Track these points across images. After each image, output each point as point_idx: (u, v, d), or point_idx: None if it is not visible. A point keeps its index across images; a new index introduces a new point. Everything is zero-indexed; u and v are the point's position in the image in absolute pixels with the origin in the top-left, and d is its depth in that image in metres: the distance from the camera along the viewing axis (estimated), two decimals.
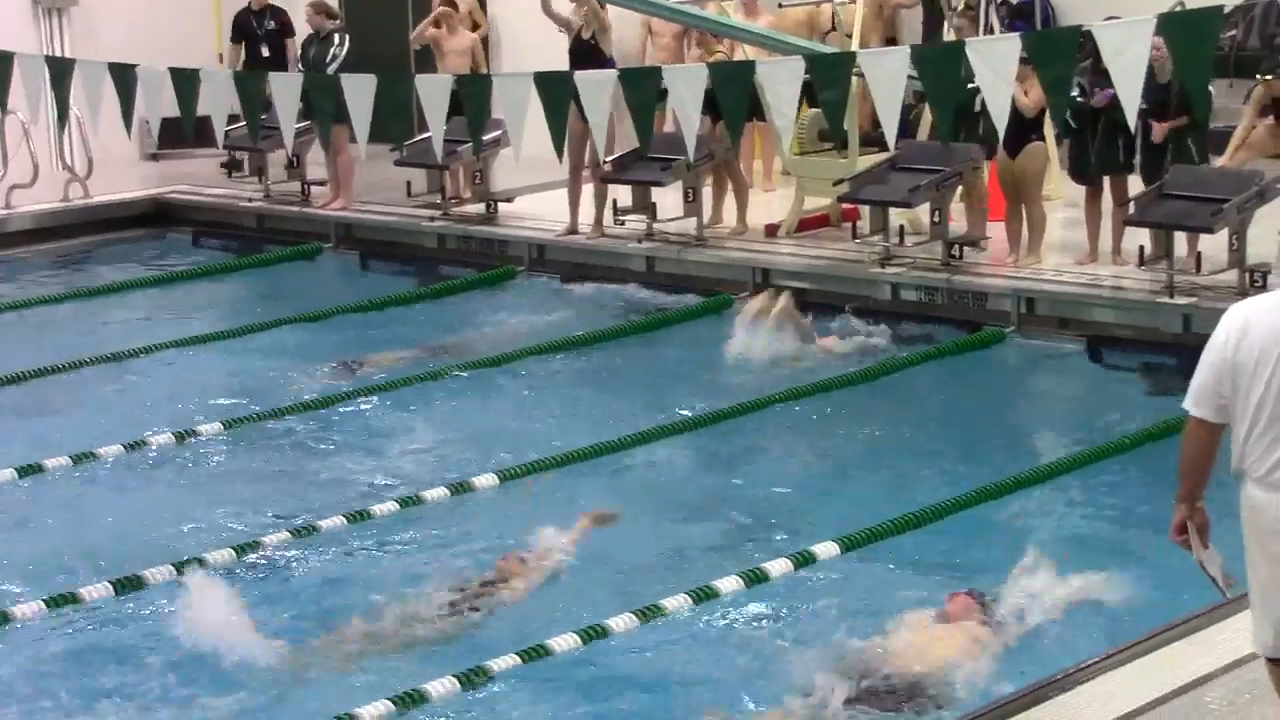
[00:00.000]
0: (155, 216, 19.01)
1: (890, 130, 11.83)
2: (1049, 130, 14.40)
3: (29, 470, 10.86)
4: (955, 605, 8.19)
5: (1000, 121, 11.45)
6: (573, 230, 16.14)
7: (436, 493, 10.30)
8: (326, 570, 9.35)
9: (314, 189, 18.16)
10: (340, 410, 12.13)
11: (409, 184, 17.38)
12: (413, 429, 11.59)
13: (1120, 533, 9.38)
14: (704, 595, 8.62)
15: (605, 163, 15.53)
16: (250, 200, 18.54)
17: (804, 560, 9.04)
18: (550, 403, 12.23)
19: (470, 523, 9.94)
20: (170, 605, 8.83)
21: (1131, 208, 13.36)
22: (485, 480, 10.50)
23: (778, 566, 8.94)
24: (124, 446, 11.30)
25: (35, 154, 18.47)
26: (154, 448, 11.35)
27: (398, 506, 10.10)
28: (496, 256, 16.53)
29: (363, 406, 12.17)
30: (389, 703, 7.53)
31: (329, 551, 9.58)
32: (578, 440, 11.11)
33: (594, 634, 8.19)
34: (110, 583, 9.02)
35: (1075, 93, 13.06)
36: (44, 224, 18.30)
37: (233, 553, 9.43)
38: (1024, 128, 13.72)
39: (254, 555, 9.45)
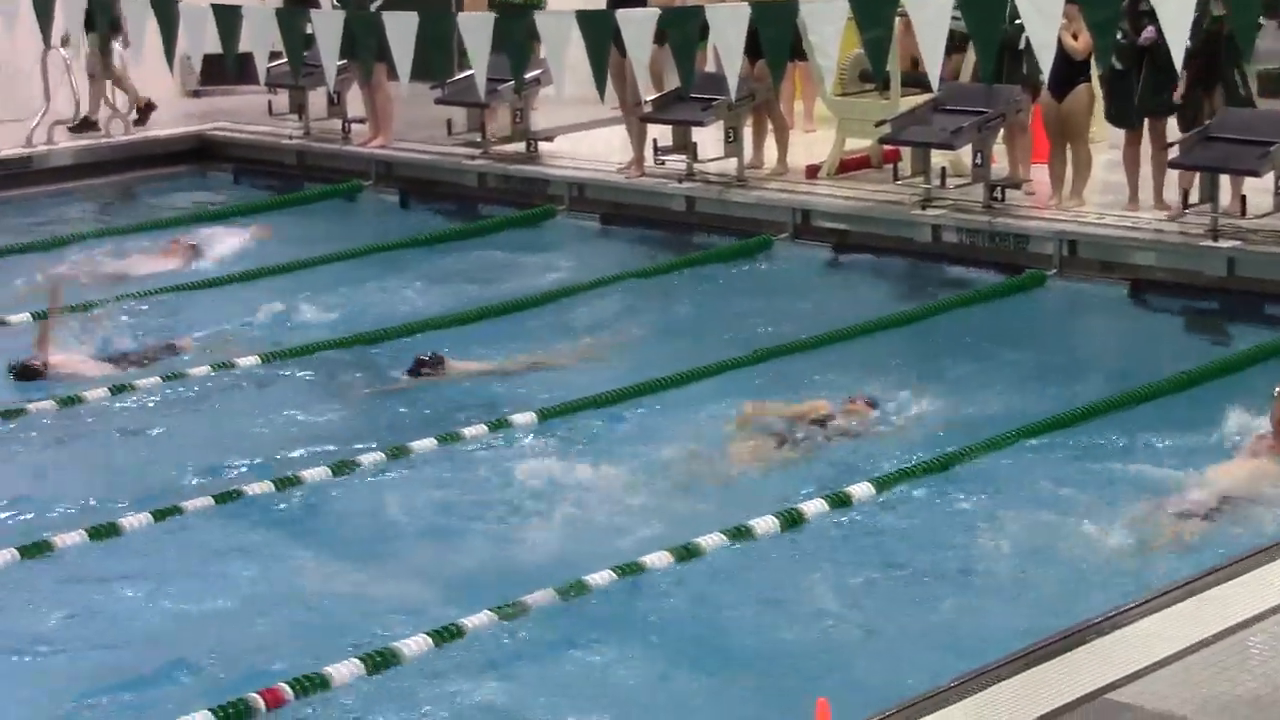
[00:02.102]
0: (197, 153, 19.04)
1: (933, 71, 11.74)
2: (1094, 71, 14.28)
3: (67, 401, 10.98)
4: None
5: (1045, 62, 11.35)
6: (639, 164, 16.02)
7: (475, 430, 10.32)
8: (367, 504, 9.37)
9: (354, 127, 18.15)
10: (375, 349, 12.16)
11: (449, 122, 17.35)
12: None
13: (1161, 474, 9.34)
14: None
15: (645, 102, 15.47)
16: (291, 138, 18.55)
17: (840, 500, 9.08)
18: (584, 343, 12.21)
19: (509, 460, 9.95)
20: (210, 536, 8.90)
21: (1175, 150, 13.26)
22: (523, 419, 10.51)
23: (813, 506, 8.97)
24: (162, 378, 11.38)
25: (78, 90, 18.54)
26: (194, 379, 11.40)
27: (435, 443, 10.12)
28: (536, 195, 16.50)
29: (398, 345, 12.19)
30: (427, 637, 7.56)
31: (371, 485, 9.61)
32: (613, 381, 11.11)
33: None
34: (150, 513, 9.09)
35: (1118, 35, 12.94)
36: (86, 160, 18.33)
37: (272, 485, 9.47)
38: (1071, 69, 13.61)
39: (295, 490, 9.49)
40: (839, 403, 10.41)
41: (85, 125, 18.60)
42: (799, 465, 9.72)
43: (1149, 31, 12.66)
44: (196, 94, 21.09)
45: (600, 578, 8.09)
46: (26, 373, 11.40)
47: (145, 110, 19.04)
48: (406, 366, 11.39)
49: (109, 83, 18.88)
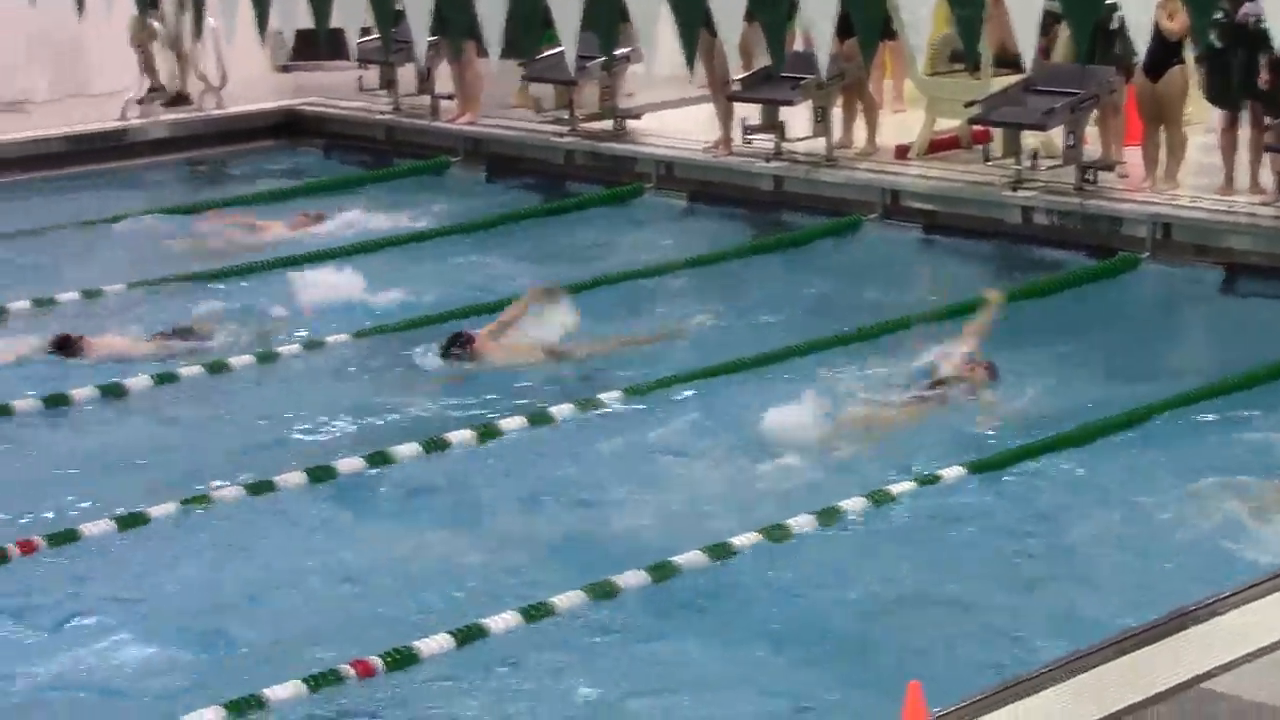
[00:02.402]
0: (287, 128, 19.13)
1: (1027, 51, 11.60)
2: (1188, 52, 14.11)
3: (165, 379, 11.06)
4: None
5: (1140, 43, 11.18)
6: (727, 142, 15.98)
7: (561, 409, 10.33)
8: (457, 482, 9.40)
9: (443, 103, 18.19)
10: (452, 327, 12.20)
11: (538, 99, 17.33)
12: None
13: (1261, 461, 9.24)
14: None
15: (734, 81, 15.43)
16: (380, 113, 18.61)
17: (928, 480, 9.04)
18: (671, 321, 12.18)
19: (597, 439, 9.95)
20: (303, 511, 8.96)
21: (1270, 135, 13.09)
22: (611, 395, 10.51)
23: (904, 487, 8.93)
24: (255, 357, 11.45)
25: (165, 65, 18.67)
26: (284, 357, 11.47)
27: (525, 422, 10.14)
28: (624, 173, 16.48)
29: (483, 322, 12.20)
30: (516, 614, 7.58)
31: (461, 463, 9.64)
32: (699, 360, 11.09)
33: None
34: (243, 486, 9.17)
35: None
36: (178, 134, 18.46)
37: (364, 462, 9.52)
38: (1166, 50, 13.46)
39: (386, 467, 9.53)
40: (957, 366, 10.35)
41: (177, 100, 18.69)
42: (901, 438, 9.69)
43: (1248, 8, 12.48)
44: (286, 69, 21.18)
45: (690, 559, 8.09)
46: (65, 345, 11.38)
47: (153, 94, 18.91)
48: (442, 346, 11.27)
49: (201, 56, 19.03)
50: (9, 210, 15.75)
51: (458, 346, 11.15)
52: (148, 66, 18.46)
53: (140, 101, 18.39)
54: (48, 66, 19.07)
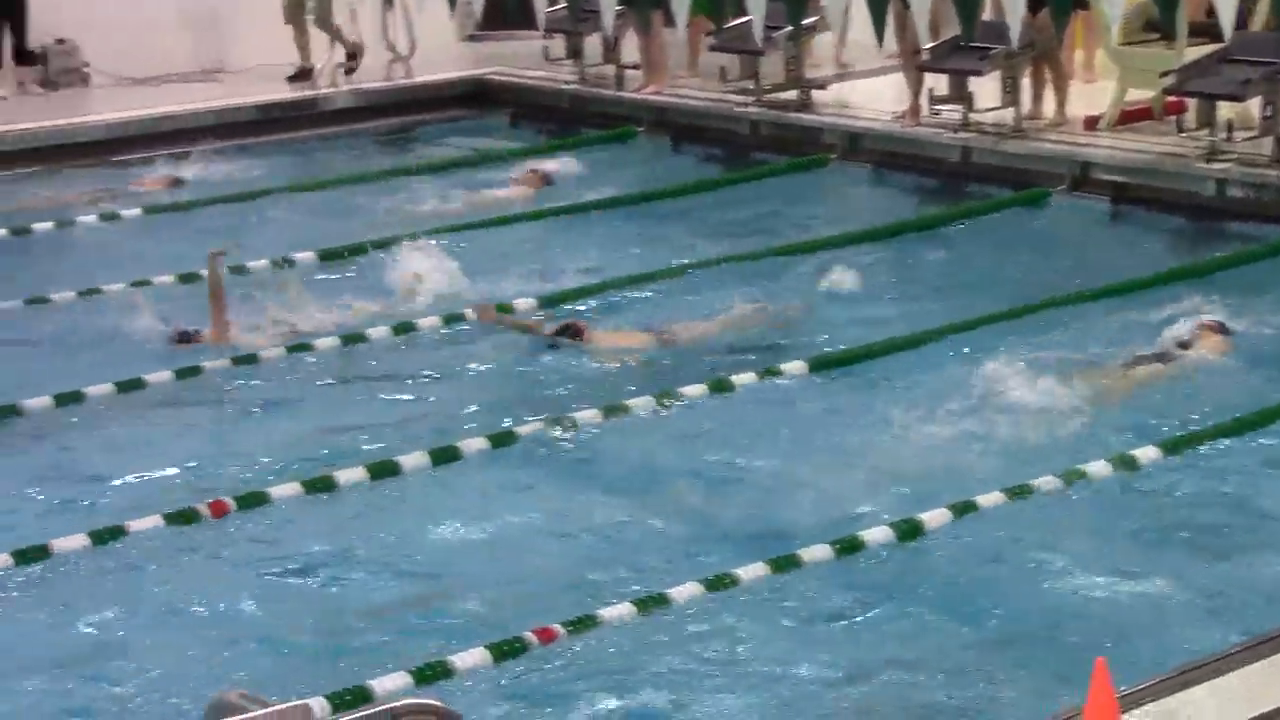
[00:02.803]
0: (474, 97, 19.32)
1: (1227, 19, 11.39)
2: None
3: (352, 339, 11.24)
4: None
5: None
6: (914, 112, 15.85)
7: (744, 377, 10.33)
8: (638, 449, 9.45)
9: (628, 72, 18.25)
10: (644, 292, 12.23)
11: (723, 69, 17.34)
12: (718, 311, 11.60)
13: None
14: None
15: (923, 50, 15.30)
16: (566, 83, 18.73)
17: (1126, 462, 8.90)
18: (855, 294, 12.12)
19: (780, 409, 9.95)
20: (486, 478, 9.06)
21: None
22: (794, 367, 10.49)
23: (1099, 467, 8.80)
24: (442, 319, 11.60)
25: (360, 34, 18.94)
26: (470, 323, 11.61)
27: (707, 390, 10.15)
28: (809, 144, 16.42)
29: (646, 294, 12.24)
30: (699, 584, 7.61)
31: (643, 430, 9.69)
32: (884, 332, 11.04)
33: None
34: (429, 452, 9.28)
35: None
36: (367, 103, 18.73)
37: (541, 424, 9.61)
38: None
39: (569, 432, 9.59)
40: (1187, 330, 10.18)
41: (302, 75, 18.86)
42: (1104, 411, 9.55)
43: None
44: (473, 38, 21.39)
45: (876, 534, 8.06)
46: (184, 339, 11.24)
47: (303, 74, 19.10)
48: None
49: (390, 25, 19.28)
50: (205, 177, 16.12)
51: (567, 336, 11.01)
52: (314, 39, 18.71)
53: (348, 71, 18.71)
54: (236, 36, 19.38)
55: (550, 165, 15.89)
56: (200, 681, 6.89)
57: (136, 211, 14.85)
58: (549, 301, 12.00)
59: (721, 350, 10.99)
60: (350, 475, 9.02)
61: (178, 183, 15.93)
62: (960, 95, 15.42)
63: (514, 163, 16.29)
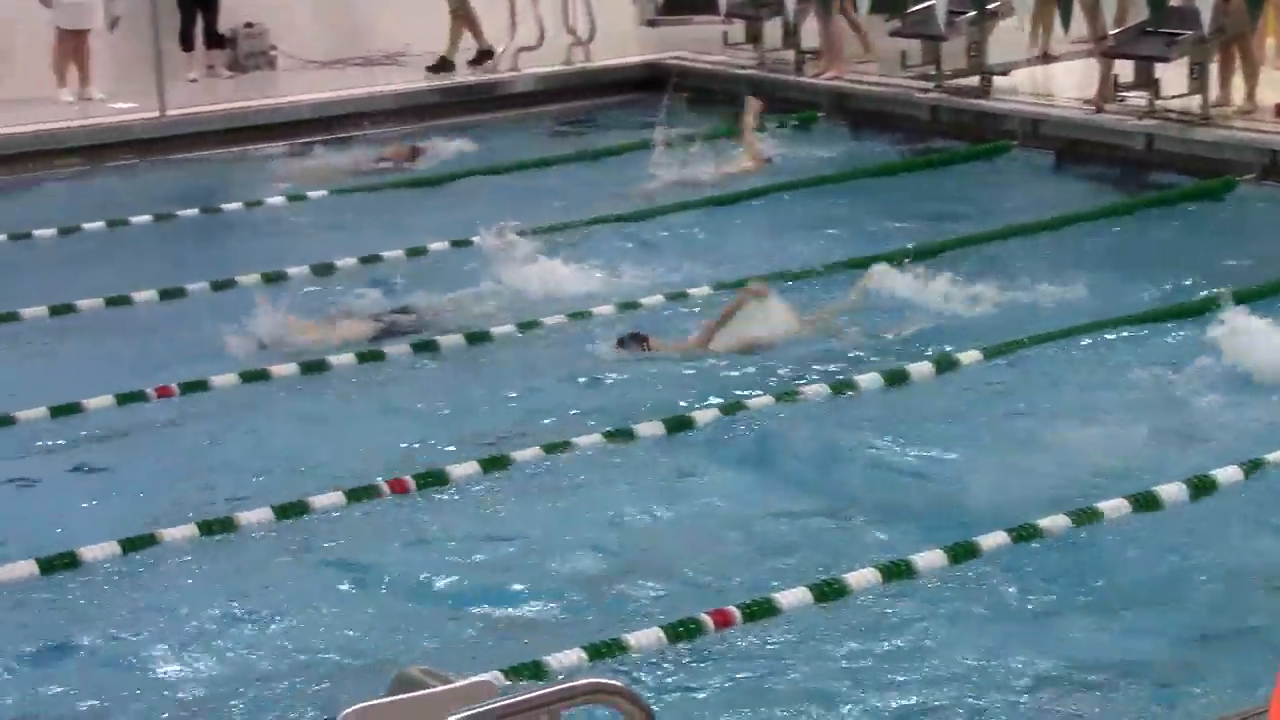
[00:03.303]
0: (652, 82, 19.36)
1: None
2: None
3: (528, 326, 11.32)
4: None
5: None
6: (1101, 99, 15.62)
7: (920, 367, 10.27)
8: (809, 435, 9.43)
9: (807, 58, 18.20)
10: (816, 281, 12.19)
11: (904, 54, 17.21)
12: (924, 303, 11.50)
13: None
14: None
15: (1109, 36, 15.07)
16: (744, 68, 18.71)
17: None
18: (1036, 280, 11.98)
19: (956, 398, 9.88)
20: (660, 462, 9.09)
21: None
22: (969, 357, 10.41)
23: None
24: (615, 307, 11.61)
25: (542, 18, 19.05)
26: (646, 307, 11.65)
27: (880, 379, 10.09)
28: (989, 130, 16.25)
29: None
30: (876, 571, 7.58)
31: (815, 416, 9.67)
32: (1062, 320, 10.91)
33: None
34: (602, 434, 9.32)
35: None
36: (546, 86, 18.85)
37: (718, 412, 9.62)
38: None
39: (742, 415, 9.59)
40: None
41: (443, 66, 18.95)
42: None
43: None
44: (653, 23, 21.44)
45: (1053, 522, 7.97)
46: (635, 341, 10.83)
47: (483, 56, 19.19)
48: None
49: (571, 10, 19.39)
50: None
51: (631, 347, 10.66)
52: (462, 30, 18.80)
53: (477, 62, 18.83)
54: (417, 22, 19.54)
55: (766, 148, 15.81)
56: (385, 656, 7.01)
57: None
58: (723, 286, 11.99)
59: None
60: (525, 454, 9.09)
61: (417, 153, 16.32)
62: (1146, 81, 15.17)
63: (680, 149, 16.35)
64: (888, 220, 13.76)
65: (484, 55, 18.94)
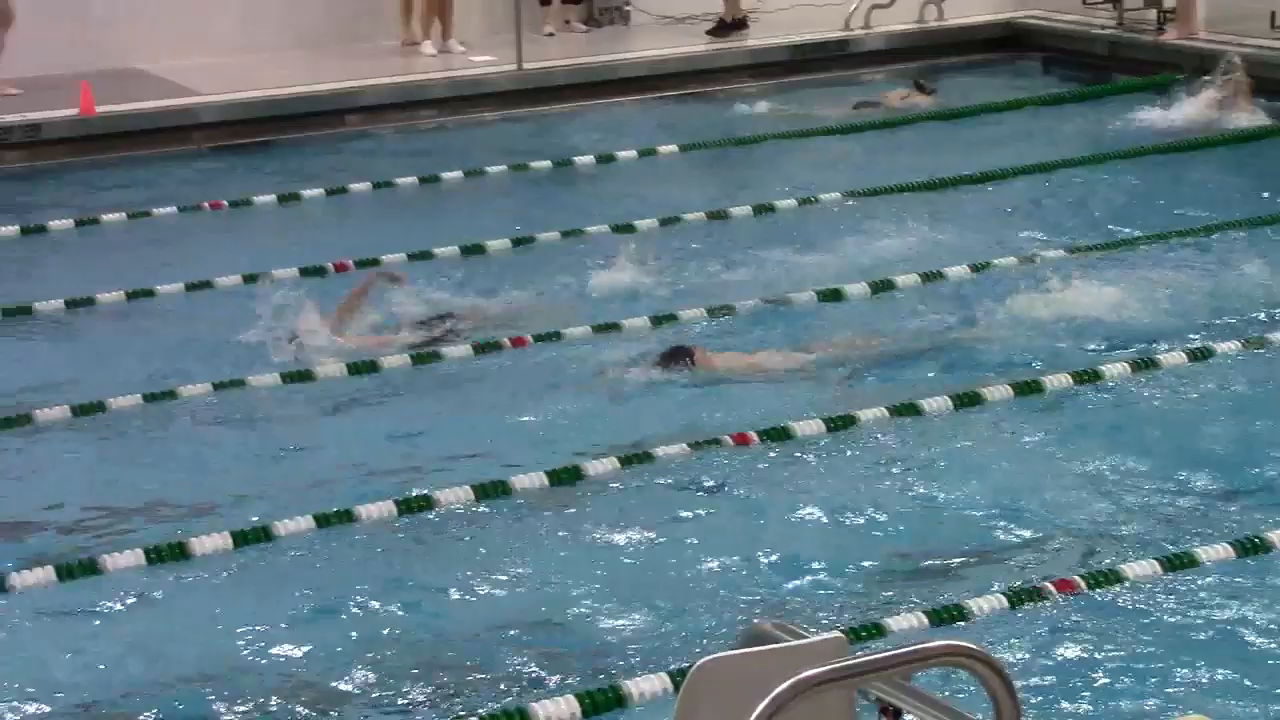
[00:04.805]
0: (1008, 41, 19.06)
1: None
2: None
3: (882, 286, 11.25)
4: None
5: None
6: None
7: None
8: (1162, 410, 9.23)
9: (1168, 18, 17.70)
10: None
11: (1274, 14, 16.57)
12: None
13: None
14: None
15: None
16: (1102, 28, 18.28)
17: None
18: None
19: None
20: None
21: None
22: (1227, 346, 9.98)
23: None
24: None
25: None
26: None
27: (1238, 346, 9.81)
28: None
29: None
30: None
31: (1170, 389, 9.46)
32: None
33: None
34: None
35: None
36: (896, 45, 18.70)
37: (1070, 379, 9.47)
38: None
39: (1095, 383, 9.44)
40: None
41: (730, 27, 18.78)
42: None
43: None
44: None
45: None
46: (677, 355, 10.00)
47: (734, 26, 18.92)
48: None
49: None
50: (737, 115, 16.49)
51: (676, 362, 9.86)
52: None
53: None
54: None
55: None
56: (734, 609, 7.11)
57: None
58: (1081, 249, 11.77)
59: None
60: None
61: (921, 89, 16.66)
62: None
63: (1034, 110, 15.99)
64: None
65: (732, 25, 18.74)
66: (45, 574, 7.57)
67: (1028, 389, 9.37)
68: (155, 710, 6.60)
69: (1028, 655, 6.73)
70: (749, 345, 10.30)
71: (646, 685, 6.45)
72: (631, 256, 11.57)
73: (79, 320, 11.21)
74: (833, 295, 11.05)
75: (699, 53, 18.13)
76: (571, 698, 6.40)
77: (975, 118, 16.06)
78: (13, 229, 13.24)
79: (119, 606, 7.42)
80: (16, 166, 15.24)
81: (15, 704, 6.65)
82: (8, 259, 12.74)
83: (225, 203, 13.81)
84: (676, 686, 6.30)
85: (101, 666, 6.96)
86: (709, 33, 18.58)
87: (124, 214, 13.51)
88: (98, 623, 7.33)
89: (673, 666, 6.58)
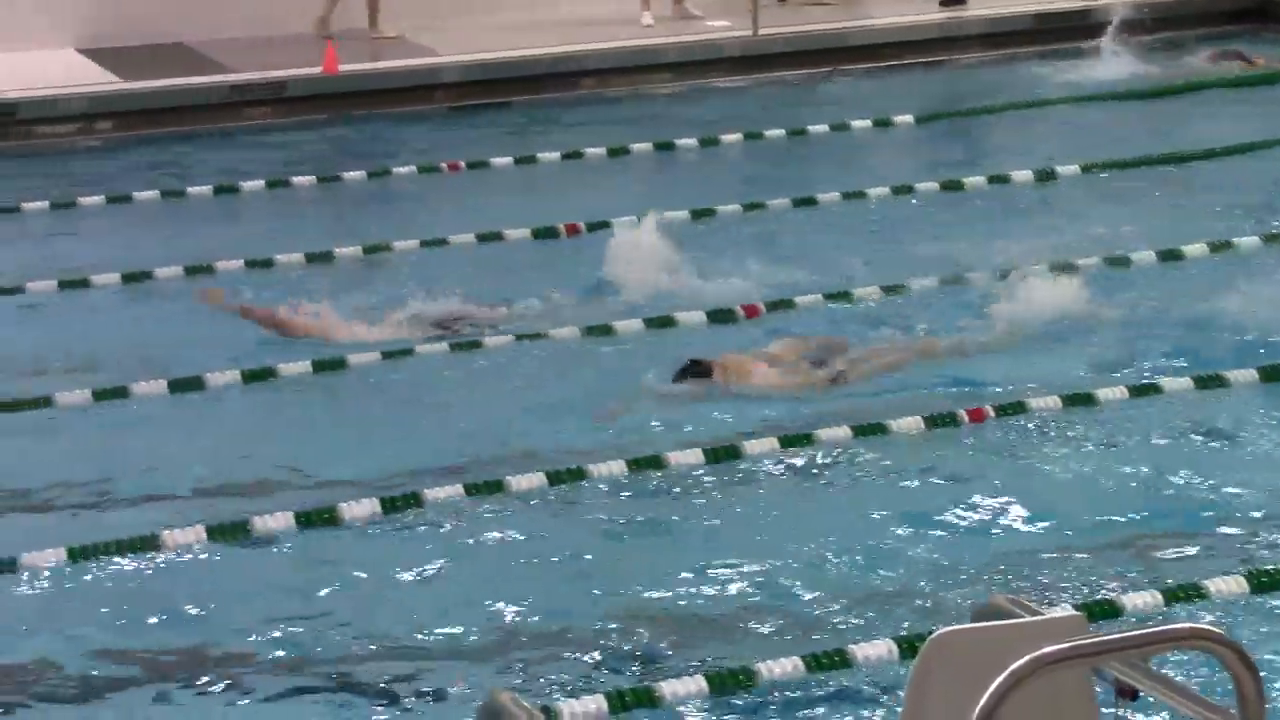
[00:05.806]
0: (1252, 13, 18.53)
1: None
2: None
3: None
4: None
5: None
6: None
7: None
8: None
9: None
10: None
11: None
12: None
13: None
14: None
15: None
16: None
17: None
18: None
19: None
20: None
21: None
22: None
23: None
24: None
25: None
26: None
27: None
28: None
29: None
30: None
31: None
32: None
33: None
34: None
35: None
36: (1142, 16, 18.21)
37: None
38: None
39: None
40: None
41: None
42: None
43: None
44: None
45: None
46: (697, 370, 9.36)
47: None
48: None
49: None
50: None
51: (693, 376, 9.29)
52: None
53: None
54: None
55: None
56: (966, 587, 7.08)
57: None
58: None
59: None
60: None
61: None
62: None
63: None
64: None
65: None
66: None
67: (1274, 374, 9.14)
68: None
69: (1267, 641, 6.59)
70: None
71: (872, 650, 6.46)
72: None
73: (314, 276, 11.40)
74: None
75: (932, 21, 17.93)
76: (797, 659, 6.43)
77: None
78: (259, 183, 13.57)
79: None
80: (258, 123, 15.57)
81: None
82: (258, 214, 13.17)
83: (463, 164, 13.94)
84: (902, 655, 6.32)
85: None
86: (942, 4, 18.39)
87: (364, 172, 13.78)
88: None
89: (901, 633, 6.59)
